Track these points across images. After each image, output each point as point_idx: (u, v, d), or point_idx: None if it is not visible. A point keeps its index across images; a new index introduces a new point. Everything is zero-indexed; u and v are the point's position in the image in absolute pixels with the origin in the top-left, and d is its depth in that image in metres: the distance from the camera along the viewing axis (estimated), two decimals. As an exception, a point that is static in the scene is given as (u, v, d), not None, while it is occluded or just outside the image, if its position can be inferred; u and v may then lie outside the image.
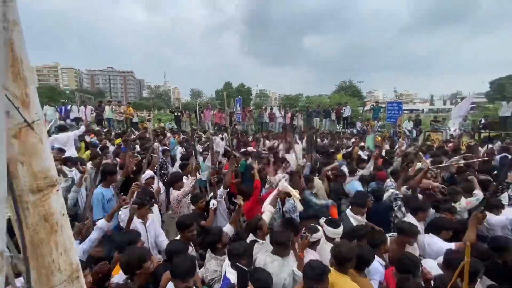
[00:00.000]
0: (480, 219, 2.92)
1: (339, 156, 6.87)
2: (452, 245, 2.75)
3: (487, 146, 7.70)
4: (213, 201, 3.64)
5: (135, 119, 13.82)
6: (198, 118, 15.12)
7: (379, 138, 9.31)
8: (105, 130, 10.62)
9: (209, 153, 5.74)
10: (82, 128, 7.09)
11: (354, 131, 15.07)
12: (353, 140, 9.85)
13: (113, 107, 13.63)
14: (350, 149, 7.90)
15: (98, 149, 6.32)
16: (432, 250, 2.85)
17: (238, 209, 3.23)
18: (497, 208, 3.40)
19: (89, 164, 4.94)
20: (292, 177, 4.49)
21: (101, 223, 2.69)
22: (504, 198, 3.97)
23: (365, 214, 3.42)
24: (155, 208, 3.72)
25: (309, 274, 2.04)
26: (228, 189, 4.16)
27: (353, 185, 4.66)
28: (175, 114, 15.43)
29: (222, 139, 7.45)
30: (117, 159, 5.76)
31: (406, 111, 24.69)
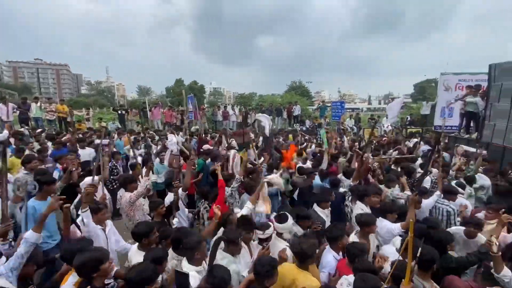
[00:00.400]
0: (416, 201, 3.33)
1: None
2: (398, 225, 3.13)
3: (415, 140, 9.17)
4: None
5: (71, 118, 12.43)
6: (146, 117, 14.33)
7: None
8: (38, 130, 9.31)
9: (166, 154, 5.63)
10: (5, 133, 6.16)
11: (304, 128, 16.04)
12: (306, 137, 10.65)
13: (42, 104, 11.92)
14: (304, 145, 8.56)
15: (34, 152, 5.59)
16: (384, 232, 3.22)
17: (213, 221, 3.03)
18: (425, 193, 4.03)
19: (22, 171, 4.34)
20: (252, 175, 4.64)
21: (29, 234, 2.30)
22: (427, 182, 4.72)
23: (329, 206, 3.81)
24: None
25: (259, 270, 2.07)
26: (187, 191, 4.05)
27: (316, 181, 5.06)
28: (119, 112, 14.27)
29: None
30: (58, 164, 5.15)
31: (348, 110, 27.36)
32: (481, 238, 3.08)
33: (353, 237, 2.98)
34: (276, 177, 3.99)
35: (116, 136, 9.11)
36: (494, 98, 7.83)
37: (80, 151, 6.60)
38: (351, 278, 2.17)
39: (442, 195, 4.04)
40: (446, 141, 9.40)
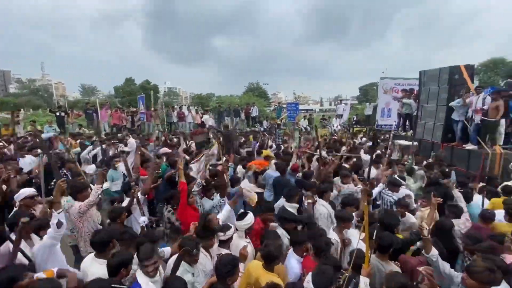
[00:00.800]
0: (368, 191, 3.91)
1: (266, 152, 7.00)
2: (355, 214, 3.49)
3: (360, 138, 10.04)
4: (143, 218, 3.45)
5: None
6: (91, 119, 13.00)
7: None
8: None
9: (128, 158, 5.17)
10: None
11: (262, 129, 16.32)
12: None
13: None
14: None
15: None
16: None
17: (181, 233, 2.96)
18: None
19: None
20: (217, 177, 4.64)
21: None
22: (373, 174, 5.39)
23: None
24: None
25: (220, 270, 2.14)
26: (146, 195, 3.87)
27: (269, 173, 5.08)
28: (58, 114, 12.63)
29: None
30: None
31: (302, 111, 28.74)
32: (410, 217, 3.73)
33: (332, 234, 3.10)
34: (252, 192, 4.06)
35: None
36: (423, 100, 8.95)
37: (20, 160, 5.84)
38: None
39: (386, 187, 4.47)
40: (387, 136, 10.52)
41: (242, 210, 3.40)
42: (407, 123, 10.51)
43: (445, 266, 2.45)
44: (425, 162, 6.46)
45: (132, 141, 6.62)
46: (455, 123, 7.58)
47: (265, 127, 17.06)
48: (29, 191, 3.44)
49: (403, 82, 13.14)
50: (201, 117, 16.60)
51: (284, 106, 21.17)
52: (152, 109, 14.04)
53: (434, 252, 2.46)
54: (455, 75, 7.76)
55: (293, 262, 2.65)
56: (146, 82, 45.86)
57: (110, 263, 2.15)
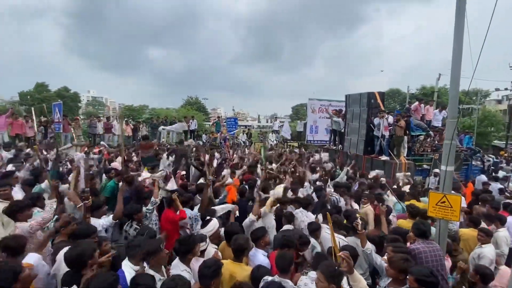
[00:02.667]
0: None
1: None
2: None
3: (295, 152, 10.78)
4: None
5: None
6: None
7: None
8: None
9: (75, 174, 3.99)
10: None
11: (200, 142, 15.95)
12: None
13: None
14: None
15: None
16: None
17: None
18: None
19: None
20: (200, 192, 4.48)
21: None
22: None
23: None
24: None
25: (205, 273, 2.16)
26: (117, 220, 3.44)
27: None
28: None
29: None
30: None
31: (241, 126, 29.57)
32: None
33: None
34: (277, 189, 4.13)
35: None
36: (349, 119, 10.31)
37: None
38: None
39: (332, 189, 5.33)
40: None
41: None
42: (337, 138, 11.84)
43: (377, 258, 2.81)
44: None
45: (79, 155, 5.34)
46: (376, 139, 8.92)
47: (203, 141, 16.93)
48: None
49: (327, 103, 15.19)
50: (132, 129, 15.27)
51: (224, 120, 21.54)
52: (76, 117, 12.09)
53: (369, 246, 2.80)
54: (371, 99, 9.23)
55: (259, 257, 2.84)
56: (64, 89, 39.81)
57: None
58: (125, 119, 17.06)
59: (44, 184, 4.25)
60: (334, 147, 11.76)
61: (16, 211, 2.81)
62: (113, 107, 72.93)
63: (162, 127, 14.86)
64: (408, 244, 3.05)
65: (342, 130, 11.11)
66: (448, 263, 3.10)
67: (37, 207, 3.24)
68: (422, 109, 10.35)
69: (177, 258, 2.62)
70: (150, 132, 15.75)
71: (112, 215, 3.43)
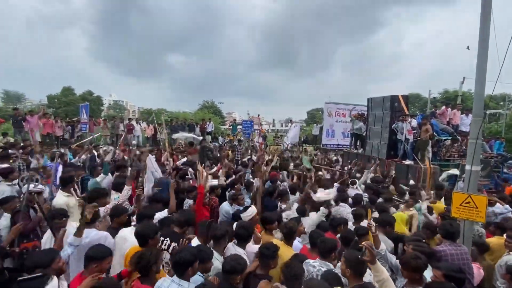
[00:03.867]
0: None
1: None
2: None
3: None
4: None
5: None
6: (19, 127, 10.97)
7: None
8: None
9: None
10: None
11: (217, 144, 16.27)
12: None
13: None
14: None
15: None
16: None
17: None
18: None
19: None
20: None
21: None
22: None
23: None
24: None
25: (266, 254, 2.39)
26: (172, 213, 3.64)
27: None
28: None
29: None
30: None
31: (256, 130, 29.77)
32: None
33: None
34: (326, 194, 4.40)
35: None
36: (371, 123, 10.07)
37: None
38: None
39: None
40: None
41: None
42: (358, 142, 11.63)
43: (392, 257, 2.78)
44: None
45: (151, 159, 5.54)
46: (399, 142, 8.65)
47: (220, 143, 17.22)
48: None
49: (344, 107, 14.97)
50: (153, 130, 15.69)
51: (240, 123, 21.86)
52: (102, 119, 12.64)
53: (383, 247, 2.79)
54: (395, 102, 8.98)
55: (295, 242, 3.18)
56: (88, 93, 41.74)
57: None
58: (144, 122, 17.55)
59: (100, 177, 4.73)
60: (355, 151, 11.52)
61: (96, 198, 3.39)
62: (132, 110, 75.45)
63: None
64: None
65: (364, 134, 10.88)
66: (479, 272, 2.92)
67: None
68: (449, 113, 9.97)
69: (232, 242, 2.89)
70: (170, 134, 16.12)
71: (167, 209, 3.75)
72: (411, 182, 7.21)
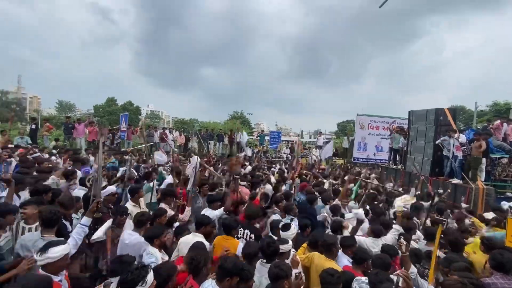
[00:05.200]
0: None
1: None
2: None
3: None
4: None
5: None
6: (69, 134, 12.05)
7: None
8: None
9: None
10: None
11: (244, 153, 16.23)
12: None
13: None
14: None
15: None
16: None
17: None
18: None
19: None
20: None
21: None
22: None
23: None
24: None
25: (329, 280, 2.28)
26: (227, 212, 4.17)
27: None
28: (32, 127, 11.75)
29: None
30: None
31: (284, 141, 29.56)
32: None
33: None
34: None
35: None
36: (413, 137, 9.35)
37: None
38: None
39: None
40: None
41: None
42: (397, 157, 10.85)
43: (423, 283, 2.61)
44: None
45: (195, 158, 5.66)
46: (445, 159, 7.87)
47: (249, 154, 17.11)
48: (113, 189, 3.96)
49: (377, 119, 14.24)
50: (184, 139, 16.27)
51: (267, 133, 21.82)
52: (139, 127, 13.45)
53: (413, 269, 2.64)
54: (440, 116, 8.25)
55: (344, 260, 2.99)
56: (128, 103, 44.97)
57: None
58: (177, 131, 18.25)
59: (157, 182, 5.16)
60: (394, 167, 10.73)
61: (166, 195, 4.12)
62: (167, 120, 79.42)
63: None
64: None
65: (404, 149, 10.12)
66: None
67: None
68: (505, 128, 8.86)
69: (259, 261, 2.70)
70: (199, 143, 16.56)
71: (223, 208, 4.12)
72: (463, 205, 6.44)
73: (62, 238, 2.42)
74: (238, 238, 3.37)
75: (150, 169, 6.37)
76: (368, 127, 14.18)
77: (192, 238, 2.97)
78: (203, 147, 15.98)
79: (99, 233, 2.87)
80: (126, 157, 7.93)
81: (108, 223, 2.96)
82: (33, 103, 73.99)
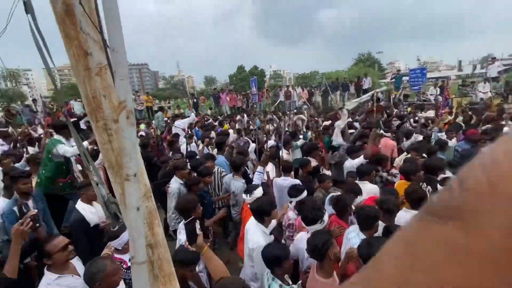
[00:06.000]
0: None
1: None
2: None
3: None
4: None
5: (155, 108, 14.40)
6: (217, 103, 15.41)
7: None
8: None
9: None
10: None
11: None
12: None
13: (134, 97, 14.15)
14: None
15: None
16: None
17: None
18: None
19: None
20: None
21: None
22: None
23: None
24: None
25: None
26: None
27: None
28: (194, 100, 15.75)
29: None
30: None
31: (431, 79, 23.17)
32: None
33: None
34: None
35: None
36: None
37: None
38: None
39: None
40: None
41: None
42: None
43: None
44: None
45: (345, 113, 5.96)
46: None
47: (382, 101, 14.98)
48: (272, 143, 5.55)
49: None
50: (307, 94, 16.52)
51: (406, 73, 17.60)
52: (265, 89, 15.09)
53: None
54: None
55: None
56: (254, 68, 49.31)
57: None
58: (298, 87, 18.63)
59: (300, 142, 5.94)
60: None
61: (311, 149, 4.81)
62: (288, 77, 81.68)
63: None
64: None
65: None
66: None
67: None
68: None
69: (404, 208, 2.86)
70: (323, 96, 16.39)
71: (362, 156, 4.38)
72: None
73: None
74: None
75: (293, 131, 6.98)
76: None
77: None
78: (327, 100, 15.74)
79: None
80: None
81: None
82: (189, 82, 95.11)
